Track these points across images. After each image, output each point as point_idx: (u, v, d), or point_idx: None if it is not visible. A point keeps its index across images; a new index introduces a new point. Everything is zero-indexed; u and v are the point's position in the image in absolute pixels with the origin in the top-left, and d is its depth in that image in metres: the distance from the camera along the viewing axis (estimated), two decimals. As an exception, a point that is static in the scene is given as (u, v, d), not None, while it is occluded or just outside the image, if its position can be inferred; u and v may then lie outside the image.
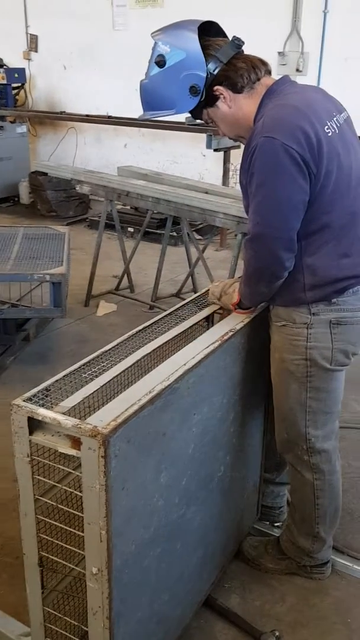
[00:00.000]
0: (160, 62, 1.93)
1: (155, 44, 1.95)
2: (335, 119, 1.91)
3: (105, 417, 1.40)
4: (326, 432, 2.13)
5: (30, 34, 8.32)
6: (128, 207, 6.62)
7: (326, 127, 1.85)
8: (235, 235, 4.22)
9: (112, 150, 8.05)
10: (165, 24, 1.99)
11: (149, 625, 1.77)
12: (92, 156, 8.20)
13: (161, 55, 1.92)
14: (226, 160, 6.31)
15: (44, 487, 1.55)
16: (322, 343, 1.99)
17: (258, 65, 1.93)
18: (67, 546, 1.55)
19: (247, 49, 1.96)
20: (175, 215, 4.46)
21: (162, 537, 1.73)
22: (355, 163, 1.94)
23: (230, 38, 1.95)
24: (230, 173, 6.43)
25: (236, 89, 1.92)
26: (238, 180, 2.02)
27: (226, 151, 6.20)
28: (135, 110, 8.20)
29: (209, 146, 5.98)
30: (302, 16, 6.26)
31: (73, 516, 1.59)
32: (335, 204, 1.88)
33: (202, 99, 1.93)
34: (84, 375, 1.60)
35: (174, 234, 5.91)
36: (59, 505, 1.54)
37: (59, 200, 7.44)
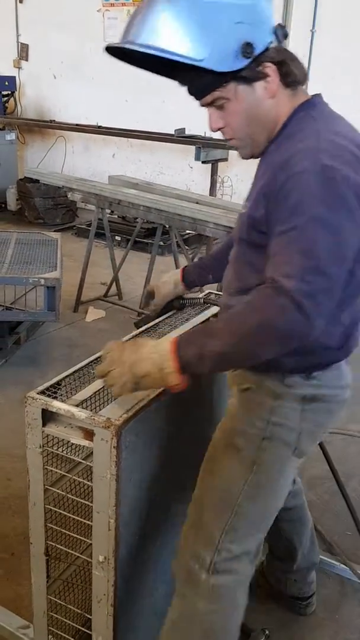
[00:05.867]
0: None
1: None
2: None
3: (116, 410, 1.46)
4: (245, 548, 1.63)
5: (21, 43, 8.39)
6: (116, 216, 6.69)
7: None
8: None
9: (100, 160, 8.13)
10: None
11: (147, 616, 1.83)
12: (80, 165, 8.27)
13: None
14: (214, 173, 6.39)
15: (51, 478, 1.61)
16: (287, 421, 1.57)
17: (304, 69, 1.54)
18: (74, 535, 1.60)
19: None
20: (166, 224, 4.53)
21: (161, 531, 1.80)
22: None
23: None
24: (218, 185, 6.53)
25: (286, 80, 1.47)
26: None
27: (214, 163, 6.31)
28: (124, 121, 8.19)
29: (197, 158, 6.07)
30: (291, 34, 6.39)
31: (78, 506, 1.65)
32: None
33: (245, 66, 1.40)
34: (92, 371, 1.67)
35: (162, 243, 5.99)
36: (68, 495, 1.60)
37: (47, 207, 7.49)
